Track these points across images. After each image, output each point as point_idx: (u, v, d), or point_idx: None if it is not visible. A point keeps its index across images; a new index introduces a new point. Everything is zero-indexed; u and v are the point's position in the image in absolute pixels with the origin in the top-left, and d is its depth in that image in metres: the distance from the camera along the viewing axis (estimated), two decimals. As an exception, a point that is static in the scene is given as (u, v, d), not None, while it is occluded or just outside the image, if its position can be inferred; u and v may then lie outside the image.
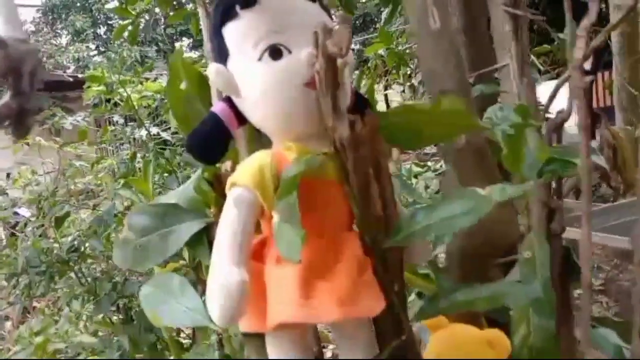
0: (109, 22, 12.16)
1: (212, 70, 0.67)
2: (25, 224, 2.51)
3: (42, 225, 2.25)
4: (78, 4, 12.10)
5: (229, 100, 0.69)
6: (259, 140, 0.71)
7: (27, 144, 2.73)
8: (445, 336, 0.77)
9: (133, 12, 2.56)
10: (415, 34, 0.77)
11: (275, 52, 0.64)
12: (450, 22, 0.75)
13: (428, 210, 0.62)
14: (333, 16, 0.69)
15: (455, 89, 0.73)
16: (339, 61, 0.58)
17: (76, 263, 2.00)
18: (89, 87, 1.97)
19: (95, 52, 11.80)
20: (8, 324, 2.53)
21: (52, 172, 2.77)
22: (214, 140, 0.68)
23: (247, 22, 0.65)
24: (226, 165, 0.72)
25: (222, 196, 0.67)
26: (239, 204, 0.62)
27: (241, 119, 0.69)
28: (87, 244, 2.01)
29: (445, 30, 0.73)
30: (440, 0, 0.73)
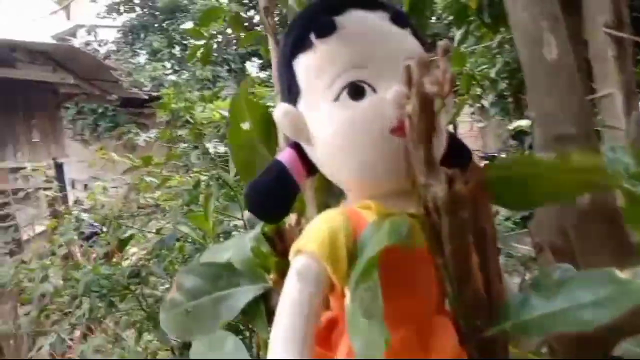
0: (184, 42, 12.60)
1: (280, 111, 0.57)
2: (93, 240, 2.53)
3: (108, 243, 2.25)
4: (155, 25, 12.62)
5: (297, 147, 0.59)
6: (329, 189, 0.60)
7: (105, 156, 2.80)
8: None
9: (206, 34, 2.57)
10: (524, 64, 0.64)
11: (355, 91, 0.54)
12: (570, 52, 0.60)
13: (546, 295, 0.48)
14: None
15: (577, 135, 0.58)
16: (437, 103, 0.46)
17: (137, 287, 1.97)
18: (161, 105, 1.97)
19: (170, 71, 12.24)
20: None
21: (125, 186, 2.81)
22: (278, 194, 0.58)
23: (323, 54, 0.55)
24: (290, 219, 0.62)
25: (283, 256, 0.56)
26: (304, 278, 0.51)
27: (311, 169, 0.59)
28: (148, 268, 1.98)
29: (564, 61, 0.59)
30: (557, 25, 0.60)
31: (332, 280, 0.50)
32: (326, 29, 0.54)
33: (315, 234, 0.52)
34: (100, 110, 10.63)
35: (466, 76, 3.44)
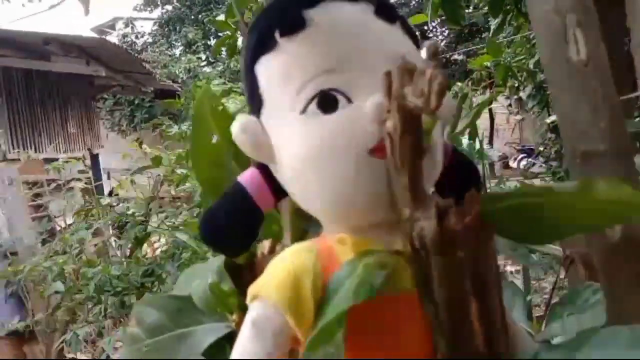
0: (219, 34, 12.64)
1: (237, 125, 0.47)
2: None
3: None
4: (191, 17, 12.70)
5: (263, 166, 0.50)
6: (309, 213, 0.51)
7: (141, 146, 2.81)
8: None
9: (233, 26, 2.52)
10: (546, 65, 0.53)
11: (326, 102, 0.44)
12: (602, 52, 0.49)
13: (564, 353, 0.39)
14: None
15: (607, 153, 0.48)
16: (425, 119, 0.37)
17: (153, 285, 1.94)
18: (168, 103, 1.93)
19: (205, 62, 12.30)
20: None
21: (157, 177, 2.80)
22: (236, 224, 0.49)
23: (288, 55, 0.45)
24: (263, 246, 0.53)
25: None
26: (261, 332, 0.42)
27: (280, 191, 0.50)
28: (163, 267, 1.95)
29: (593, 63, 0.48)
30: (588, 19, 0.49)
31: (296, 332, 0.42)
32: (293, 25, 0.44)
33: (276, 276, 0.44)
34: (136, 102, 10.80)
35: (502, 67, 3.29)
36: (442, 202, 0.39)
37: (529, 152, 7.57)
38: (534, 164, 6.77)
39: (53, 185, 3.95)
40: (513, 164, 8.38)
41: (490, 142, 8.32)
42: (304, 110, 0.44)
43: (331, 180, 0.44)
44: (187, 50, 12.23)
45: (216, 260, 0.59)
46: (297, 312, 0.41)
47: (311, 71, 0.44)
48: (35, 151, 4.99)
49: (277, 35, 0.45)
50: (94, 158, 6.58)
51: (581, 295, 0.78)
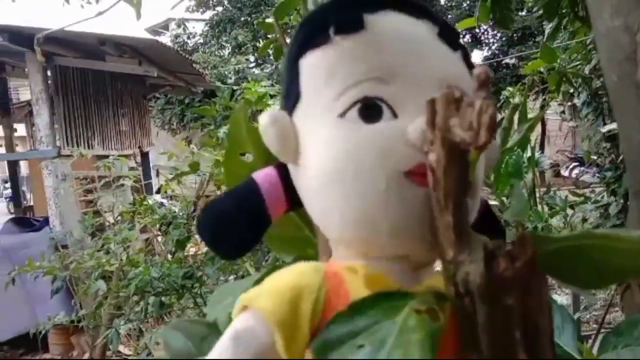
0: (268, 36, 12.75)
1: (266, 118, 0.43)
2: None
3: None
4: (241, 19, 12.88)
5: (282, 168, 0.46)
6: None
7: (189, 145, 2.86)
8: None
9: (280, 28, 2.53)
10: (611, 88, 0.48)
11: (370, 110, 0.40)
12: None
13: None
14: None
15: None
16: (472, 153, 0.33)
17: (193, 287, 1.95)
18: (204, 110, 1.95)
19: (254, 64, 12.45)
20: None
21: (203, 176, 2.84)
22: (237, 222, 0.44)
23: (339, 53, 0.42)
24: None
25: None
26: (241, 348, 0.37)
27: (295, 200, 0.45)
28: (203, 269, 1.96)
29: None
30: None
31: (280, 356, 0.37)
32: (351, 24, 0.41)
33: (275, 287, 0.39)
34: (187, 101, 11.04)
35: (556, 73, 3.18)
36: (491, 244, 0.35)
37: (582, 161, 7.30)
38: (586, 173, 6.52)
39: (103, 181, 4.07)
40: (565, 172, 8.10)
41: (542, 150, 8.06)
42: (343, 114, 0.41)
43: (357, 195, 0.39)
44: (236, 51, 12.43)
45: (246, 281, 0.56)
46: (289, 333, 0.37)
47: (359, 74, 0.41)
48: (88, 148, 5.15)
49: (331, 31, 0.41)
50: (144, 156, 6.76)
51: (638, 326, 0.72)
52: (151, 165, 7.00)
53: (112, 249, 2.30)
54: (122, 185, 3.67)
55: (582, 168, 7.13)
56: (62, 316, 2.55)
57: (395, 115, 0.40)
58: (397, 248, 0.40)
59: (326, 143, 0.41)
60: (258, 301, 0.39)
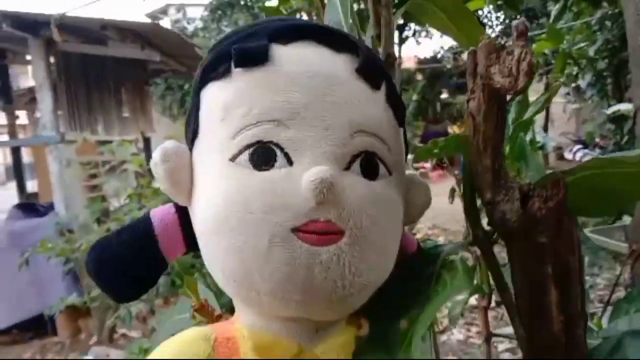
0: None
1: (159, 151, 0.40)
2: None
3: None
4: (242, 2, 12.82)
5: (181, 208, 0.42)
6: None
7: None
8: None
9: (284, 12, 2.53)
10: (633, 48, 0.51)
11: (262, 156, 0.36)
12: None
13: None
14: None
15: None
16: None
17: (202, 266, 1.98)
18: None
19: (254, 48, 12.39)
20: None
21: None
22: (128, 265, 0.41)
23: (237, 91, 0.38)
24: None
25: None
26: None
27: (195, 242, 0.41)
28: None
29: None
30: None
31: None
32: (253, 57, 0.37)
33: None
34: (186, 87, 11.03)
35: (562, 55, 3.18)
36: (525, 185, 0.38)
37: (585, 144, 7.31)
38: (590, 156, 6.54)
39: (107, 166, 4.09)
40: (568, 155, 8.11)
41: (545, 132, 8.07)
42: (234, 158, 0.37)
43: (237, 250, 0.36)
44: (236, 36, 12.34)
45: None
46: None
47: (255, 116, 0.37)
48: (91, 133, 5.16)
49: (232, 64, 0.38)
50: (147, 142, 6.77)
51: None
52: (153, 151, 7.02)
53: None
54: (126, 170, 3.69)
55: (585, 150, 7.14)
56: (74, 297, 2.59)
57: (290, 162, 0.37)
58: (286, 310, 0.38)
59: (214, 187, 0.38)
60: None
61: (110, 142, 3.90)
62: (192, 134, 0.41)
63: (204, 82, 0.41)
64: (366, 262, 0.37)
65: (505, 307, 0.39)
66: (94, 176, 4.77)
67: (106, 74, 5.78)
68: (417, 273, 0.39)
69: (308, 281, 0.36)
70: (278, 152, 0.37)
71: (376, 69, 0.41)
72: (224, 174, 0.37)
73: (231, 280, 0.38)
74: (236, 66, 0.38)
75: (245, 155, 0.37)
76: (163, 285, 2.03)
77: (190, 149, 0.42)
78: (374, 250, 0.37)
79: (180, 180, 0.40)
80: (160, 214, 0.42)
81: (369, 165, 0.39)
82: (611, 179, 0.39)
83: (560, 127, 9.03)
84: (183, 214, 0.42)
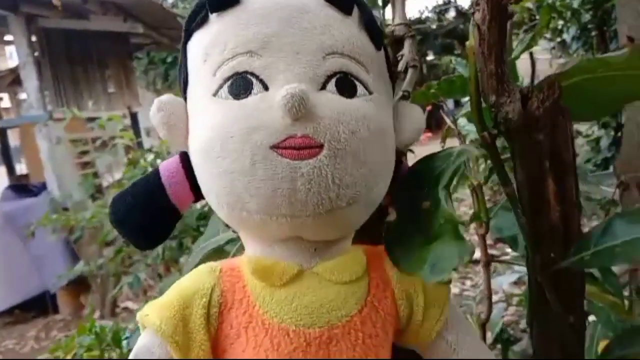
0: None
1: (155, 104, 0.43)
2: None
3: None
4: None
5: (186, 155, 0.45)
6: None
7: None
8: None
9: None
10: None
11: (240, 86, 0.40)
12: None
13: (630, 220, 0.43)
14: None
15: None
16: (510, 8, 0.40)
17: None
18: None
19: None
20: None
21: None
22: (143, 211, 0.43)
23: (215, 31, 0.42)
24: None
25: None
26: None
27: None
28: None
29: None
30: None
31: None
32: (224, 1, 0.41)
33: (163, 300, 0.42)
34: (169, 60, 10.88)
35: (546, 7, 3.20)
36: (525, 88, 0.42)
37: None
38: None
39: (98, 142, 4.08)
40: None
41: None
42: (216, 92, 0.40)
43: (224, 174, 0.39)
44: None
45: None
46: (184, 342, 0.40)
47: (230, 51, 0.40)
48: (79, 110, 5.13)
49: (209, 11, 0.42)
50: (133, 117, 6.72)
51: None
52: (141, 127, 6.99)
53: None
54: (116, 145, 3.68)
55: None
56: (80, 266, 2.63)
57: (266, 87, 0.40)
58: (278, 228, 0.41)
59: (202, 123, 0.41)
60: (148, 319, 0.41)
61: (98, 118, 3.88)
62: (183, 85, 0.45)
63: (188, 35, 0.45)
64: (350, 175, 0.39)
65: (508, 198, 0.44)
66: (84, 153, 4.77)
67: (89, 49, 5.70)
68: (430, 167, 0.44)
69: (292, 194, 0.38)
70: (254, 80, 0.40)
71: None
72: (208, 109, 0.41)
73: (224, 203, 0.41)
74: (211, 12, 0.42)
75: (225, 89, 0.40)
76: (168, 250, 2.06)
77: (185, 100, 0.45)
78: (357, 162, 0.39)
79: (177, 125, 0.43)
80: (168, 164, 0.45)
81: (344, 84, 0.41)
82: (600, 82, 0.44)
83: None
84: (188, 163, 0.44)
